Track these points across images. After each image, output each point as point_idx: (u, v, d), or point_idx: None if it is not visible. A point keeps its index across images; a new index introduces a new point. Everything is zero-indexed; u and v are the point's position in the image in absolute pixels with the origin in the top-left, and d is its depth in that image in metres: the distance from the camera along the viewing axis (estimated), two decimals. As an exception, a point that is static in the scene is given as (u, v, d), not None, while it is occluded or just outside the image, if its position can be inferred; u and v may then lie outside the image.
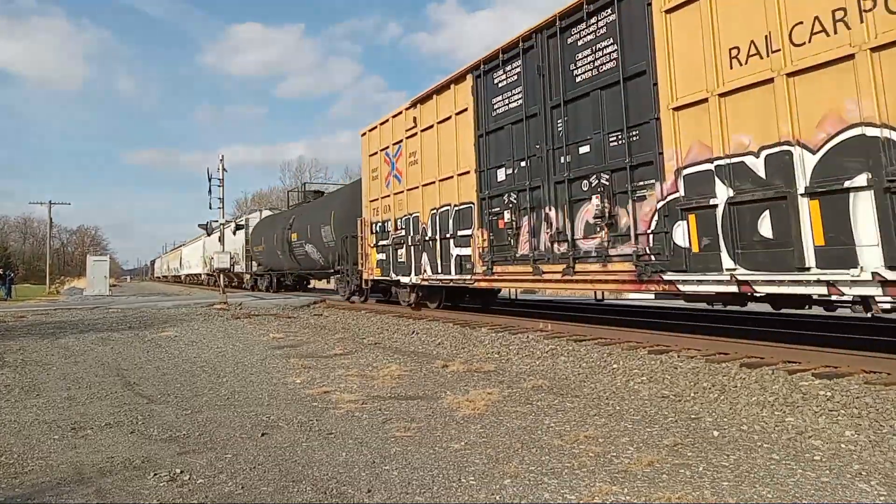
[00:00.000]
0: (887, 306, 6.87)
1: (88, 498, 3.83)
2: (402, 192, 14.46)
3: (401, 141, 14.54)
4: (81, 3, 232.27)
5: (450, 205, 12.42)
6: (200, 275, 50.24)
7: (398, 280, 14.90)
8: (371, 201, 16.29)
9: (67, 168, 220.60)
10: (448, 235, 12.44)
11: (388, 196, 15.23)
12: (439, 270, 12.83)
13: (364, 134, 16.76)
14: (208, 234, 27.32)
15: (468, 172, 11.77)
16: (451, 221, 12.37)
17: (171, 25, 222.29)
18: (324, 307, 19.13)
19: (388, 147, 15.28)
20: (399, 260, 14.73)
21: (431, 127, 13.13)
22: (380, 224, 15.74)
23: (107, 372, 8.52)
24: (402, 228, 14.55)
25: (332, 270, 20.68)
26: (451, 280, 12.47)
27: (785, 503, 3.51)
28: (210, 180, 22.36)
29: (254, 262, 33.73)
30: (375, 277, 16.24)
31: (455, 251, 12.24)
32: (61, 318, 16.22)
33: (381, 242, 15.67)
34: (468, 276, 11.78)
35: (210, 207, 22.64)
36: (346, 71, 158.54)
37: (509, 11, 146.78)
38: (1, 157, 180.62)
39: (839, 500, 3.53)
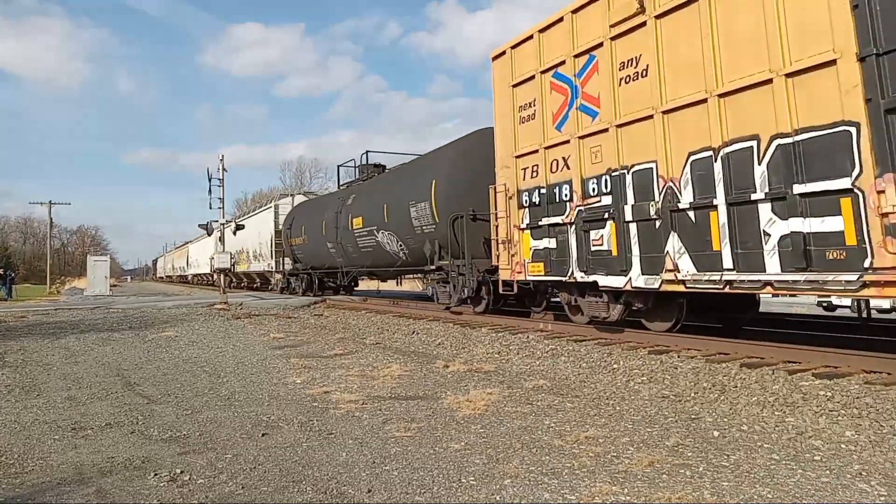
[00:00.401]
0: None
1: (89, 498, 3.84)
2: (604, 130, 8.75)
3: (596, 47, 8.94)
4: (81, 2, 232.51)
5: (756, 138, 6.71)
6: (213, 275, 39.29)
7: (593, 281, 8.99)
8: (519, 157, 10.55)
9: (67, 168, 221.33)
10: (755, 197, 6.69)
11: (564, 143, 9.53)
12: (723, 264, 6.99)
13: (501, 55, 11.12)
14: (209, 234, 26.53)
15: (828, 64, 6.04)
16: (763, 168, 6.64)
17: (171, 25, 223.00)
18: (324, 307, 19.13)
19: (559, 64, 9.69)
20: (594, 248, 8.97)
21: (687, 4, 7.56)
22: (541, 192, 10.03)
23: (107, 372, 8.53)
24: (600, 194, 8.87)
25: (433, 267, 14.52)
26: (770, 282, 6.58)
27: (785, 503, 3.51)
28: (210, 180, 22.33)
29: (286, 259, 27.21)
30: (534, 277, 10.29)
31: (781, 226, 6.43)
32: (62, 319, 16.22)
33: (543, 221, 9.96)
34: (839, 276, 5.91)
35: (210, 207, 22.57)
36: (346, 70, 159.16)
37: (510, 11, 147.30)
38: (1, 156, 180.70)
39: (839, 500, 3.53)
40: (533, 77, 10.27)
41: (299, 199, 30.25)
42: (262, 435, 5.17)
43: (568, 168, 9.55)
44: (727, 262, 6.99)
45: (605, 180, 8.80)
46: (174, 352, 10.48)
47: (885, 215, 5.52)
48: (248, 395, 6.87)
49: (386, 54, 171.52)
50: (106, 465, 4.45)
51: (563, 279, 9.67)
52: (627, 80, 8.49)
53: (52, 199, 53.13)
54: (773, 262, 6.54)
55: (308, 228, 23.54)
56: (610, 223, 8.72)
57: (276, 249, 28.40)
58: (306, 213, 24.67)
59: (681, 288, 7.66)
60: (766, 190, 6.61)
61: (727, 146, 7.05)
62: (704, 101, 7.30)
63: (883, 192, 5.52)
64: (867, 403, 5.20)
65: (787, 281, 6.41)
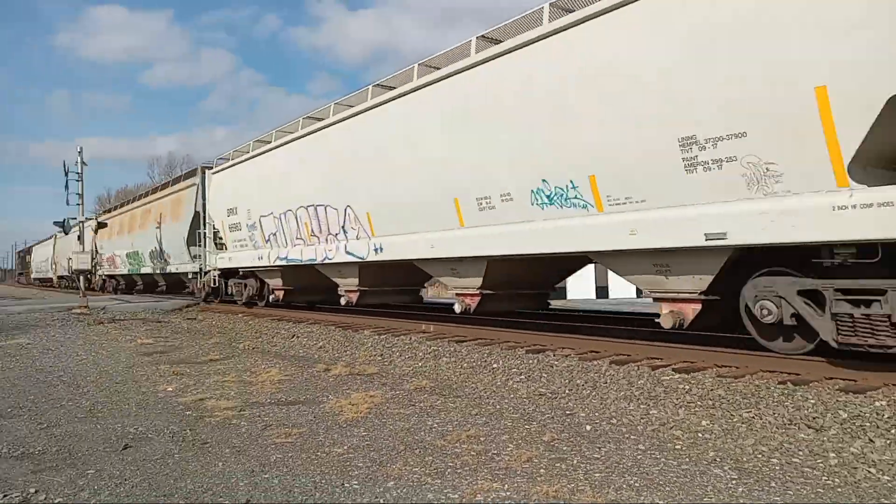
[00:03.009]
0: None
1: (-78, 526, 3.42)
2: None
3: None
4: None
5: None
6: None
7: None
8: None
9: None
10: None
11: None
12: None
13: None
14: (66, 233, 24.32)
15: None
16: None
17: (18, 1, 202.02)
18: (198, 311, 18.22)
19: None
20: None
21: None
22: None
23: (-56, 385, 7.64)
24: None
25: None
26: None
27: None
28: (67, 174, 20.47)
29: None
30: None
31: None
32: None
33: None
34: None
35: (67, 203, 20.61)
36: (219, 62, 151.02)
37: (390, 12, 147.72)
38: None
39: (697, 484, 3.83)
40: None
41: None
42: (129, 448, 4.84)
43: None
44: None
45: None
46: (26, 361, 9.56)
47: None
48: (113, 405, 6.40)
49: (263, 48, 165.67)
50: (-57, 489, 3.99)
51: None
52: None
53: None
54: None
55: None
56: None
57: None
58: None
59: None
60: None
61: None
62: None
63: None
64: (720, 395, 5.69)
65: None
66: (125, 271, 28.38)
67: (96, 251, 28.82)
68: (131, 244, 26.57)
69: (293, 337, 11.46)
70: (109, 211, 33.27)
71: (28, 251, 68.59)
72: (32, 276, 61.19)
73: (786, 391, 5.55)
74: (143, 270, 25.72)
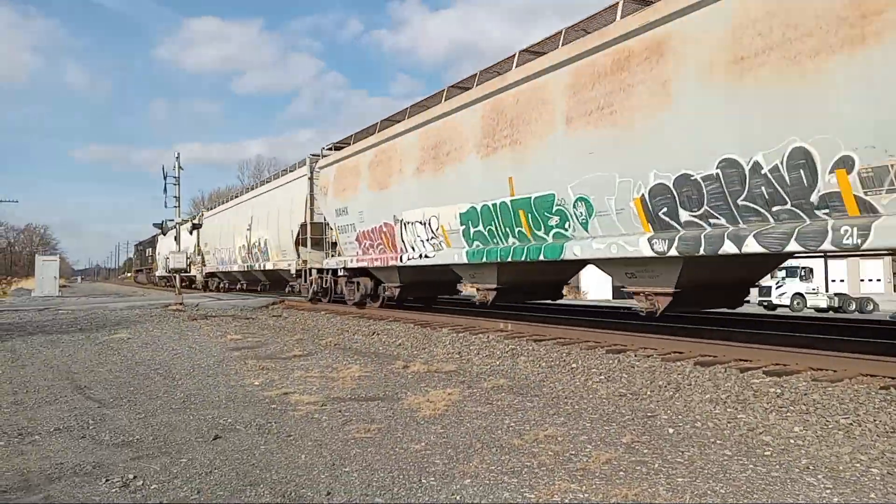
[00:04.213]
0: None
1: (36, 506, 3.71)
2: None
3: None
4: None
5: None
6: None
7: None
8: None
9: (14, 164, 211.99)
10: None
11: None
12: None
13: None
14: (164, 234, 25.64)
15: None
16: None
17: (124, 17, 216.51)
18: (282, 308, 18.88)
19: None
20: None
21: None
22: None
23: (56, 375, 8.25)
24: None
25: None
26: None
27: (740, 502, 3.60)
28: (165, 178, 21.74)
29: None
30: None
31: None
32: (7, 320, 15.65)
33: None
34: None
35: (165, 206, 21.93)
36: (306, 67, 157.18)
37: (472, 11, 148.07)
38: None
39: (788, 493, 3.64)
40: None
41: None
42: (219, 438, 5.07)
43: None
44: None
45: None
46: (127, 354, 10.20)
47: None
48: (205, 397, 6.73)
49: (347, 51, 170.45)
50: (54, 472, 4.31)
51: None
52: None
53: (-3, 196, 49.79)
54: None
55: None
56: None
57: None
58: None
59: None
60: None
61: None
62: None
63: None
64: (814, 400, 5.38)
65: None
66: (441, 259, 11.46)
67: (325, 227, 16.79)
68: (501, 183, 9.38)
69: (373, 334, 11.68)
70: (341, 148, 15.88)
71: (151, 242, 53.88)
72: (157, 273, 47.51)
73: (888, 396, 5.19)
74: (568, 252, 8.42)
